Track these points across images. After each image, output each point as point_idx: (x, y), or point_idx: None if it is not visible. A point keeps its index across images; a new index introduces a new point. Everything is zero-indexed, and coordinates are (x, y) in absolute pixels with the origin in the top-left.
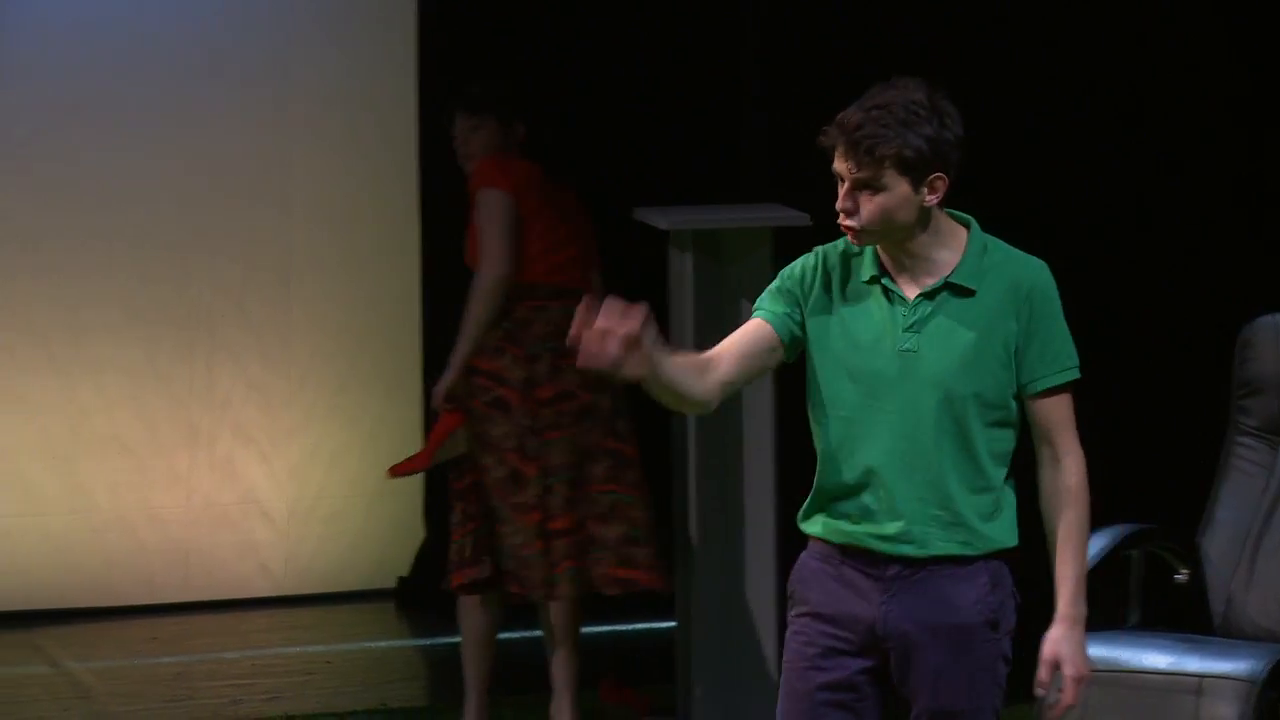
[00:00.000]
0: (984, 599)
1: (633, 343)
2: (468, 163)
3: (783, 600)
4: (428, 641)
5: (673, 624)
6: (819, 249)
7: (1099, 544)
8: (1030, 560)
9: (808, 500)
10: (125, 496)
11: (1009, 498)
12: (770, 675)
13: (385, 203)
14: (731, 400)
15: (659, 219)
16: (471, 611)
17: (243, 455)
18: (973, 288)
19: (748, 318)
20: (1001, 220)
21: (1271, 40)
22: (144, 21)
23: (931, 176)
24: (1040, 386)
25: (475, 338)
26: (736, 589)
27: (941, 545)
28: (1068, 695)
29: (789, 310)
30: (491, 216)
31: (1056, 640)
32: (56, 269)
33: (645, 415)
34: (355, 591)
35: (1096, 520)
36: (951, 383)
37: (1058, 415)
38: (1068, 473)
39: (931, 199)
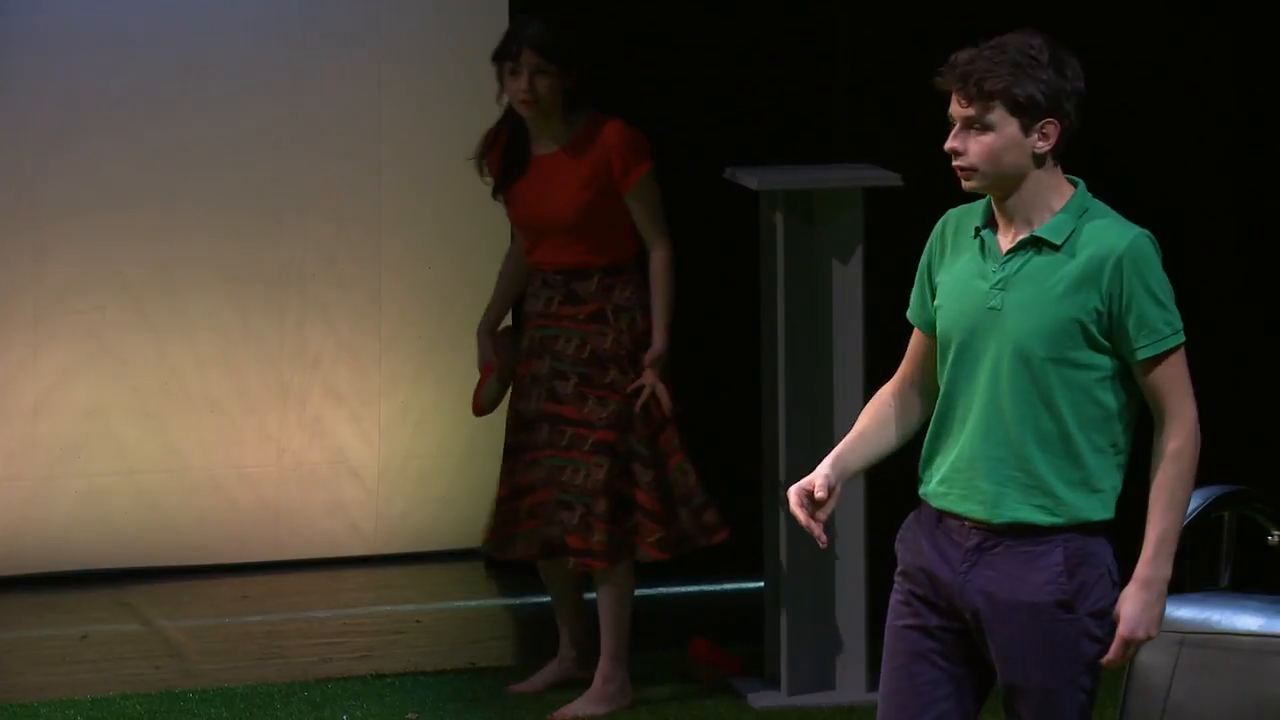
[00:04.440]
0: (1056, 579)
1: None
2: (529, 105)
3: (873, 559)
4: (516, 601)
5: (761, 584)
6: (946, 214)
7: (1190, 505)
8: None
9: (920, 461)
10: (216, 455)
11: (1108, 470)
12: (859, 635)
13: None
14: (821, 358)
15: (749, 179)
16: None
17: (333, 414)
18: (1057, 243)
19: (838, 278)
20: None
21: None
22: None
23: (1043, 122)
24: (1139, 357)
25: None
26: (826, 548)
27: (1015, 508)
28: (1113, 651)
29: (924, 301)
30: (657, 192)
31: (1122, 599)
32: (150, 229)
33: (704, 368)
34: (445, 551)
35: None
36: (1028, 343)
37: (1160, 382)
38: (1168, 436)
39: (1043, 145)
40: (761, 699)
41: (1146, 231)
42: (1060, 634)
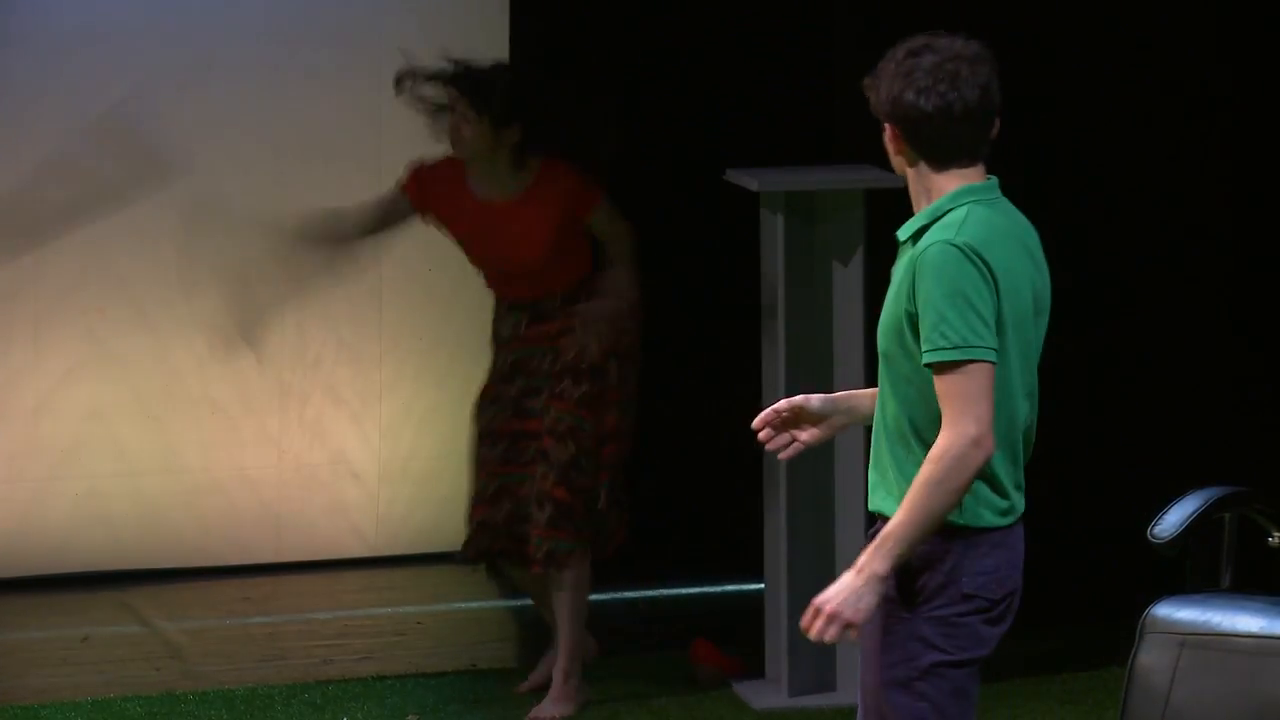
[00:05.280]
0: (896, 574)
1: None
2: (455, 147)
3: None
4: (518, 603)
5: (762, 585)
6: None
7: (1191, 506)
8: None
9: None
10: (216, 456)
11: None
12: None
13: None
14: (822, 360)
15: (750, 180)
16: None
17: (333, 415)
18: (901, 239)
19: (839, 279)
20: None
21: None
22: None
23: (887, 126)
24: (922, 361)
25: None
26: (826, 548)
27: (879, 499)
28: (805, 618)
29: None
30: (616, 213)
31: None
32: (149, 229)
33: (705, 370)
34: (446, 552)
35: (1187, 484)
36: (879, 337)
37: (940, 391)
38: (936, 441)
39: (893, 149)
40: (762, 700)
41: (954, 240)
42: (895, 631)
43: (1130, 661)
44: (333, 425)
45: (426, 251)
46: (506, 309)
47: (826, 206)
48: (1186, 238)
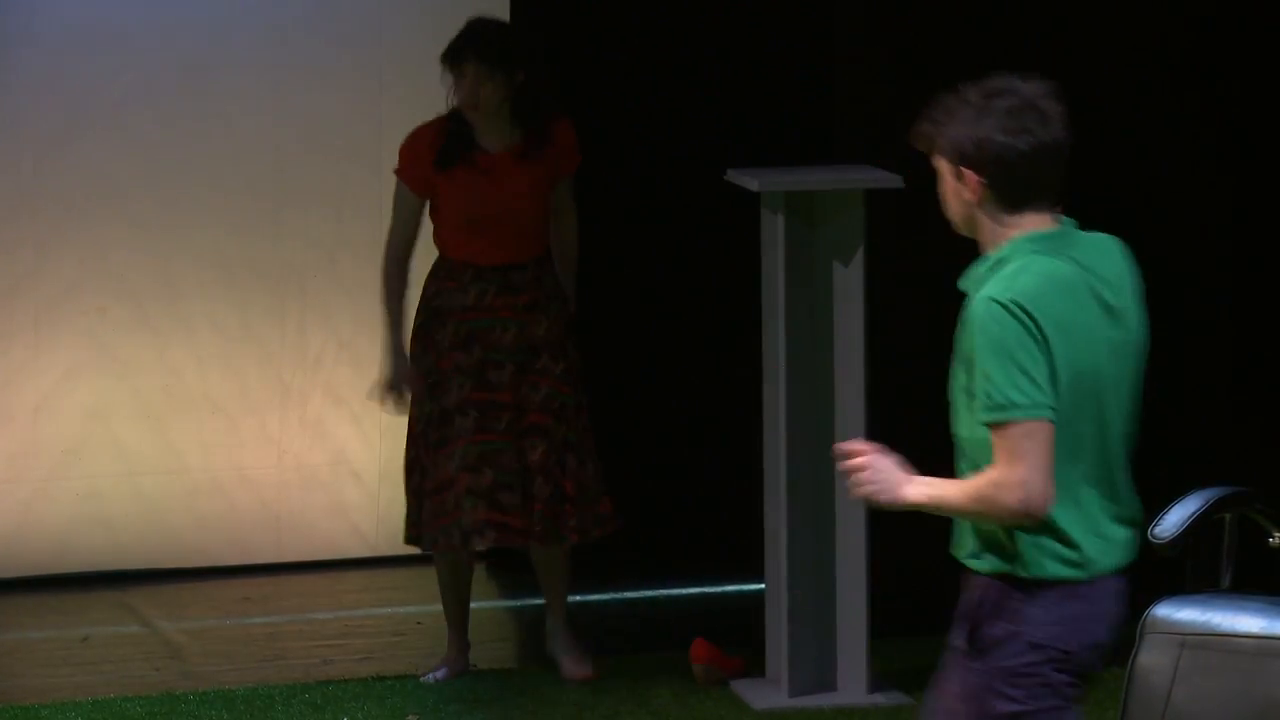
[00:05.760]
0: (962, 622)
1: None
2: (473, 110)
3: (872, 559)
4: (516, 603)
5: (763, 586)
6: None
7: (1191, 507)
8: None
9: None
10: (217, 457)
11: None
12: (861, 636)
13: None
14: (823, 360)
15: (750, 180)
16: None
17: (334, 416)
18: (963, 290)
19: (839, 280)
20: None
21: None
22: None
23: (962, 170)
24: (977, 419)
25: None
26: (827, 548)
27: (959, 545)
28: (853, 459)
29: None
30: None
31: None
32: (149, 228)
33: (706, 370)
34: None
35: (1187, 484)
36: (949, 386)
37: (995, 448)
38: (990, 476)
39: (967, 195)
40: (762, 700)
41: (1000, 297)
42: (969, 682)
43: (1130, 662)
44: (333, 425)
45: (425, 252)
46: (471, 278)
47: (827, 207)
48: (1186, 238)
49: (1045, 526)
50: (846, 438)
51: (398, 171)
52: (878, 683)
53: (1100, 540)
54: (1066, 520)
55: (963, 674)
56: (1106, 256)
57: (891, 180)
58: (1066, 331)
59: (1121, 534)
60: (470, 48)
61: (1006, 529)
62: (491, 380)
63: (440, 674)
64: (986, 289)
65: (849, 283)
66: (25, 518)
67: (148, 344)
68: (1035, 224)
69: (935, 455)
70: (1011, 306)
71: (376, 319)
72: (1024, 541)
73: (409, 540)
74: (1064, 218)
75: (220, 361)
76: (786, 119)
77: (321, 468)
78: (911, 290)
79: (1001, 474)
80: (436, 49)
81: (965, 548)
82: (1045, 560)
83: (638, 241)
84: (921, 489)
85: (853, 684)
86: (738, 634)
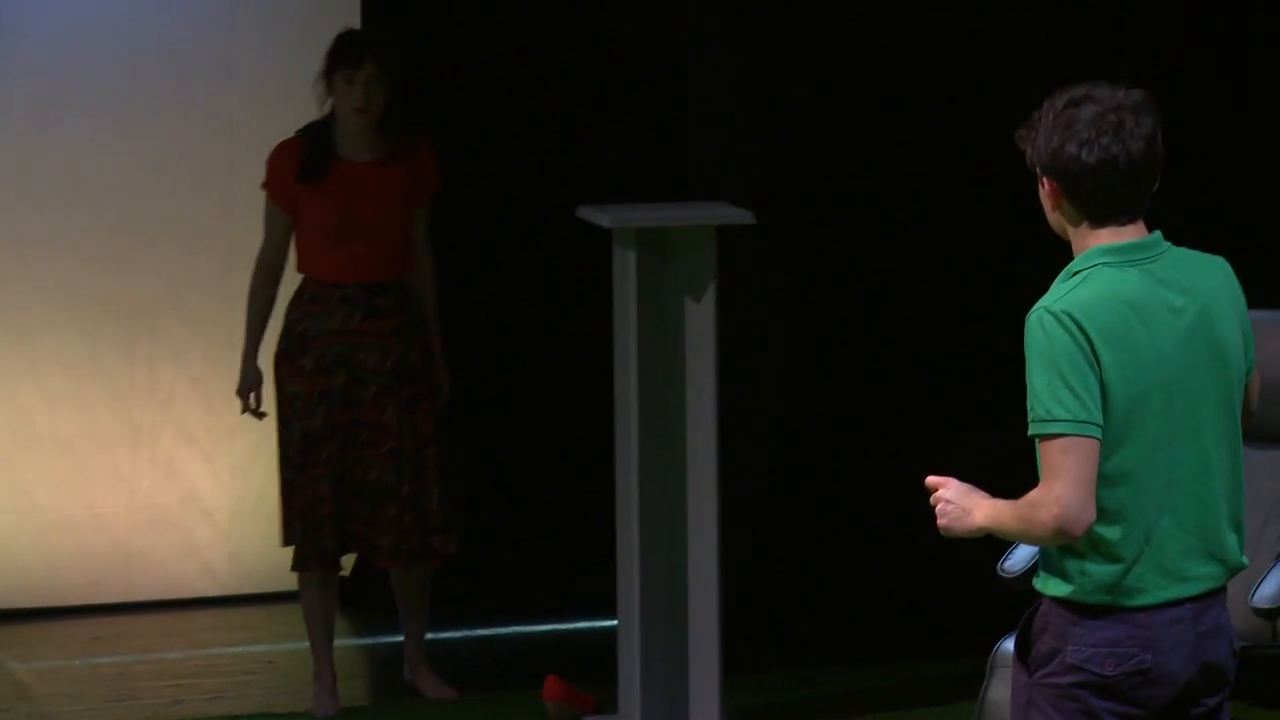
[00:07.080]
0: (1022, 635)
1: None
2: (362, 114)
3: (724, 596)
4: (370, 641)
5: (615, 622)
6: None
7: None
8: None
9: None
10: (66, 496)
11: (1063, 552)
12: (713, 670)
13: None
14: (675, 396)
15: (601, 217)
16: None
17: (185, 454)
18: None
19: (691, 316)
20: None
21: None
22: (82, 19)
23: (1043, 179)
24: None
25: None
26: (679, 585)
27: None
28: (938, 491)
29: None
30: None
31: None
32: None
33: (557, 406)
34: (298, 591)
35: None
36: None
37: (1042, 461)
38: (1036, 494)
39: (1049, 204)
40: None
41: (1052, 307)
42: (1018, 695)
43: (980, 696)
44: (184, 464)
45: (282, 291)
46: (337, 301)
47: (679, 243)
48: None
49: (1094, 549)
50: (698, 472)
51: (264, 186)
52: (729, 714)
53: (1163, 574)
54: (1123, 547)
55: (1014, 686)
56: (1196, 273)
57: (743, 216)
58: (1126, 346)
59: (1200, 570)
60: (369, 50)
61: (1059, 549)
62: (355, 399)
63: (330, 707)
64: (1045, 298)
65: (701, 318)
66: None
67: None
68: (1116, 236)
69: (781, 489)
70: (1062, 317)
71: (228, 356)
72: (1071, 563)
73: (295, 566)
74: (1155, 232)
75: (70, 400)
76: (640, 155)
77: (172, 506)
78: (764, 325)
79: (1039, 491)
80: (287, 86)
81: (1039, 578)
82: (1087, 584)
83: (491, 277)
84: (984, 511)
85: (704, 717)
86: (590, 671)
